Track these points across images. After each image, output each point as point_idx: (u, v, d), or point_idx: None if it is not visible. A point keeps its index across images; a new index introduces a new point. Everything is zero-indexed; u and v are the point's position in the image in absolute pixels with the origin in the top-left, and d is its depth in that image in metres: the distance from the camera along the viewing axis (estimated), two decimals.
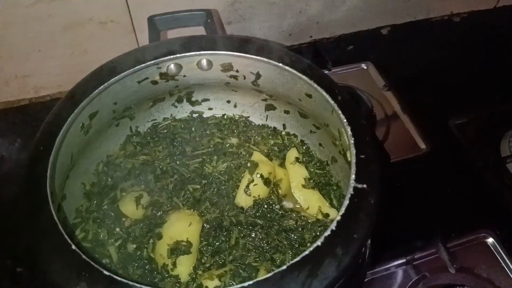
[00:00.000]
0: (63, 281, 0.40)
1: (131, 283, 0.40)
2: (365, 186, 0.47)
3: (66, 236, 0.42)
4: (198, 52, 0.62)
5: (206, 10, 0.69)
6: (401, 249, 0.79)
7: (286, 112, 0.77)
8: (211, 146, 0.77)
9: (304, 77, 0.58)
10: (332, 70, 1.08)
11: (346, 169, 0.69)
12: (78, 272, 0.40)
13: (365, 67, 1.11)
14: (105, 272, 0.40)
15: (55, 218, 0.43)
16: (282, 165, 0.75)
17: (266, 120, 0.81)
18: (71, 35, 0.90)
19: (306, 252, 0.42)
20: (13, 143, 0.93)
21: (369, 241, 0.61)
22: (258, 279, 0.40)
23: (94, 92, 0.55)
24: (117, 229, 0.65)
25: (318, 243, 0.43)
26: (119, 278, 0.40)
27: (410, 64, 1.15)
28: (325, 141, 0.73)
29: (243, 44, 0.62)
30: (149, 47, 0.63)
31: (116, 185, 0.68)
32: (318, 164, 0.75)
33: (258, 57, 0.61)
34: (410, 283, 0.77)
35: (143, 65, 0.59)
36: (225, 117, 0.82)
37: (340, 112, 0.54)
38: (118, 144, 0.74)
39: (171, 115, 0.80)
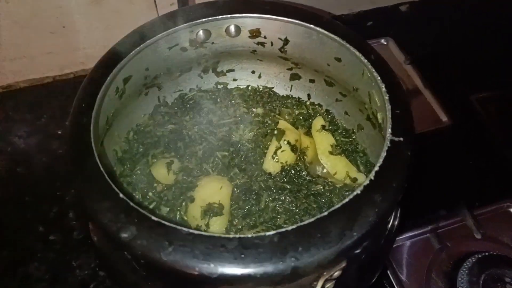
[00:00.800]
0: (113, 226, 0.41)
1: (178, 227, 0.41)
2: (401, 139, 0.47)
3: (113, 186, 0.43)
4: (229, 15, 0.62)
5: None
6: (425, 218, 0.80)
7: (311, 81, 0.78)
8: (237, 115, 0.78)
9: (335, 37, 0.58)
10: None
11: (372, 136, 0.69)
12: (127, 217, 0.41)
13: (385, 43, 1.11)
14: (154, 218, 0.41)
15: (101, 167, 0.44)
16: (307, 133, 0.75)
17: (291, 91, 0.82)
18: (96, 9, 0.91)
19: (346, 200, 0.43)
20: (40, 118, 0.95)
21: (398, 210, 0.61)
22: (300, 224, 0.42)
23: (130, 54, 0.57)
24: (150, 193, 0.66)
25: (358, 191, 0.44)
26: (167, 223, 0.41)
27: (430, 39, 1.15)
28: (351, 108, 0.73)
29: (273, 7, 0.62)
30: (179, 11, 0.64)
31: (147, 152, 0.70)
32: (344, 133, 0.75)
33: (289, 19, 0.61)
34: (434, 252, 0.78)
35: (175, 28, 0.60)
36: (249, 88, 0.83)
37: (373, 70, 0.54)
38: (147, 114, 0.75)
39: (197, 86, 0.80)
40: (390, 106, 0.50)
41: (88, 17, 0.93)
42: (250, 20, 0.64)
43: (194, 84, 0.80)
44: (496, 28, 1.18)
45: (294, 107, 0.81)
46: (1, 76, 0.99)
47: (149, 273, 0.44)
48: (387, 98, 0.51)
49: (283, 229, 0.41)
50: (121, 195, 0.43)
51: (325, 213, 0.42)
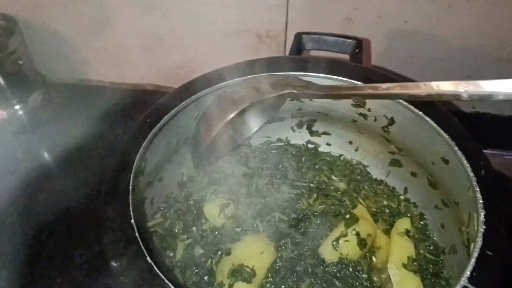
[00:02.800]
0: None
1: None
2: None
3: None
4: (330, 76, 0.57)
5: (358, 39, 0.64)
6: None
7: (413, 174, 0.66)
8: (314, 182, 0.70)
9: (445, 134, 0.47)
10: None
11: (465, 266, 0.54)
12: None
13: None
14: None
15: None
16: (387, 232, 0.63)
17: (387, 176, 0.71)
18: (229, 41, 0.96)
19: None
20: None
21: None
22: None
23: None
24: (194, 228, 0.63)
25: None
26: None
27: None
28: (450, 224, 0.59)
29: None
30: (288, 58, 0.61)
31: (210, 185, 0.68)
32: (432, 248, 0.61)
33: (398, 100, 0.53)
34: None
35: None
36: (342, 158, 0.75)
37: (477, 189, 0.42)
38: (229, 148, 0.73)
39: (286, 137, 0.76)
40: (481, 243, 0.37)
41: (220, 47, 0.98)
42: None
43: (284, 136, 0.76)
44: None
45: (384, 196, 0.69)
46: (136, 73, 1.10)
47: None
48: (482, 230, 0.38)
49: None
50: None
51: None
